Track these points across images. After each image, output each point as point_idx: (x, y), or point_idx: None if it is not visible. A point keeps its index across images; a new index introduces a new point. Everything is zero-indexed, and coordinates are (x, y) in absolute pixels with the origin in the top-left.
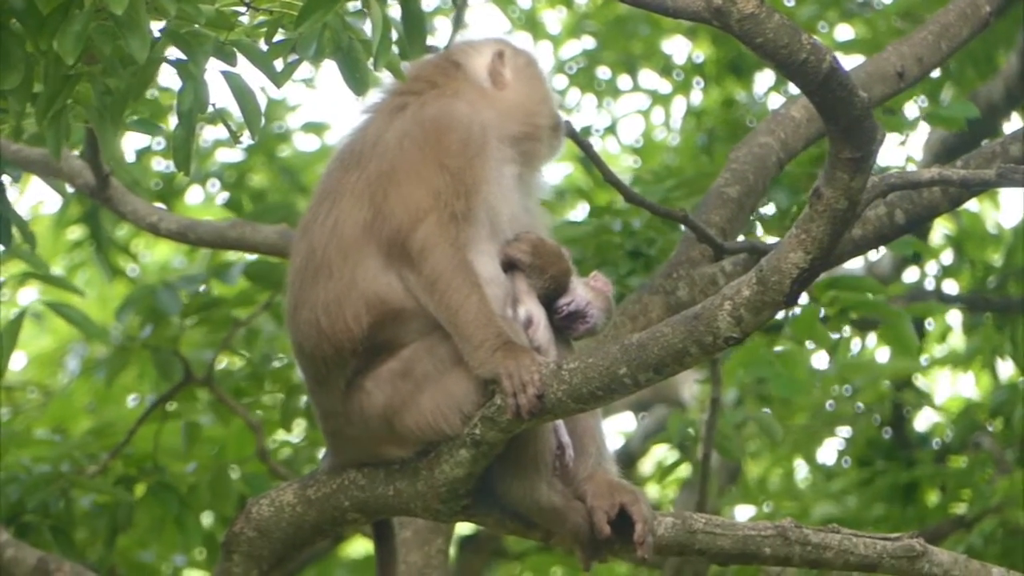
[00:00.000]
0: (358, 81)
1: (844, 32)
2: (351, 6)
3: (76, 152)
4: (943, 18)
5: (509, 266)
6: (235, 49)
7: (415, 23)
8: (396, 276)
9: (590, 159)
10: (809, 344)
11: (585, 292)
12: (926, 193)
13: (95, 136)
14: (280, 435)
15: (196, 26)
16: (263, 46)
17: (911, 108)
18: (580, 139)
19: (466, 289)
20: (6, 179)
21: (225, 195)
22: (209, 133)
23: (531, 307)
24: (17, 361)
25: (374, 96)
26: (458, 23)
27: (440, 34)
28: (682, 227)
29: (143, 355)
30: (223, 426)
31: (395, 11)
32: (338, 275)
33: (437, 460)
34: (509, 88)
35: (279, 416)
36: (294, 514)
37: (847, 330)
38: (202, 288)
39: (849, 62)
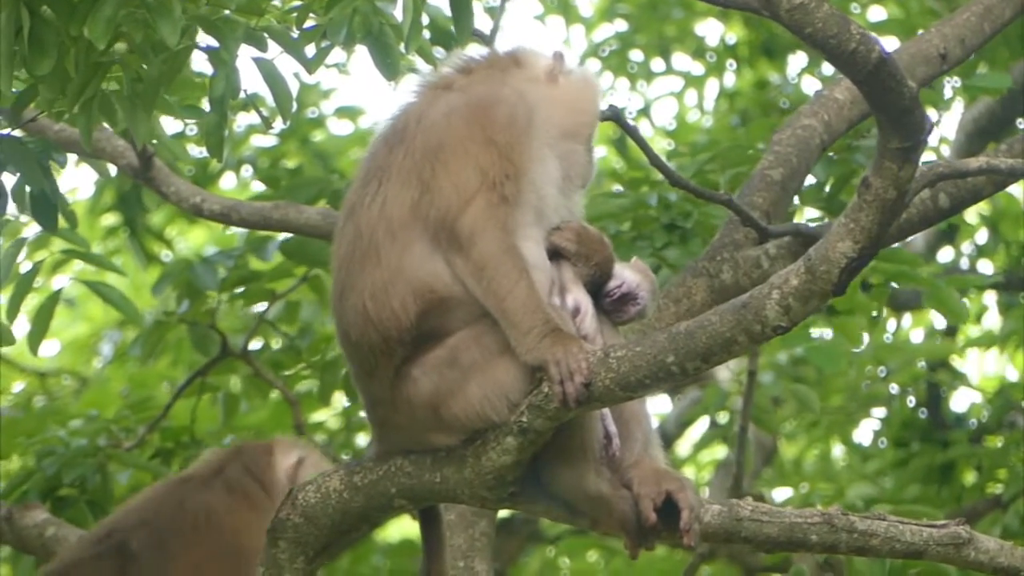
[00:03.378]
0: (389, 66)
1: (876, 13)
2: None
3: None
4: None
5: (553, 254)
6: (266, 35)
7: (463, 7)
8: (443, 261)
9: (635, 142)
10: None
11: (633, 274)
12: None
13: None
14: (316, 418)
15: (227, 12)
16: (294, 32)
17: (945, 90)
18: (624, 122)
19: (515, 275)
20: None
21: (259, 183)
22: (242, 119)
23: (578, 295)
24: (51, 348)
25: (417, 80)
26: (501, 7)
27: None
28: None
29: (179, 330)
30: (260, 399)
31: None
32: (385, 260)
33: (484, 448)
34: (561, 86)
35: (317, 389)
36: (340, 500)
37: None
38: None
39: (883, 44)
